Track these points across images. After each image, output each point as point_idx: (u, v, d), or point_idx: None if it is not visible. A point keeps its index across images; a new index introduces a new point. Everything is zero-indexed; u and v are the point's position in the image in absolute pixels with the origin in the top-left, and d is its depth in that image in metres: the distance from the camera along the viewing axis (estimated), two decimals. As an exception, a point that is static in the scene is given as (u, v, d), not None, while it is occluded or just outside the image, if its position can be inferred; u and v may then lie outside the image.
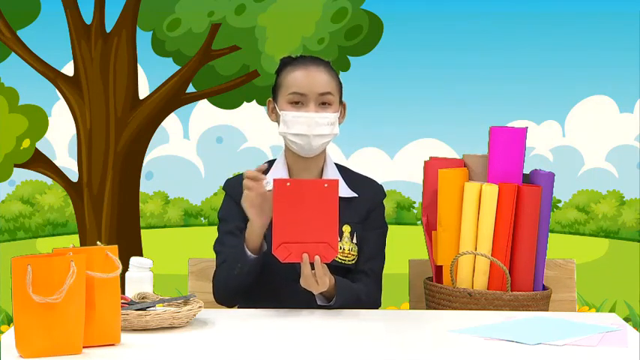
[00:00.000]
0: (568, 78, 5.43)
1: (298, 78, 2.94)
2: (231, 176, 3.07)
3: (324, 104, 2.94)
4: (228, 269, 2.89)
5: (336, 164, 3.06)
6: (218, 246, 2.99)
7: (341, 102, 3.01)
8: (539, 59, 5.42)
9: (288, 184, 2.65)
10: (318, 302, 2.87)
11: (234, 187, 3.02)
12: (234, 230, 2.95)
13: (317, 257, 2.70)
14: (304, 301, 2.89)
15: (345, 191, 2.99)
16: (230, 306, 2.99)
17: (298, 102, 2.94)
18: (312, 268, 2.72)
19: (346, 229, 2.97)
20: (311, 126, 2.92)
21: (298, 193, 2.65)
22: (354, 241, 2.97)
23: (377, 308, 2.99)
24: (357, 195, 3.01)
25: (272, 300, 2.93)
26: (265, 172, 2.92)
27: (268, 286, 2.97)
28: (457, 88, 5.43)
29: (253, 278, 2.87)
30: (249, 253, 2.84)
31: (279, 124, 2.97)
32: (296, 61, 2.99)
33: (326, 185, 2.66)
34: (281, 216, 2.66)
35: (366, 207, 3.01)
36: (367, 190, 3.04)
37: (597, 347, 2.39)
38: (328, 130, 2.94)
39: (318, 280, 2.73)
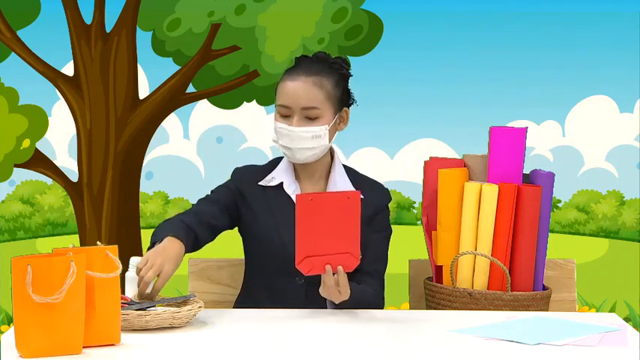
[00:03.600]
0: (568, 78, 5.43)
1: (286, 90, 2.95)
2: (241, 165, 3.09)
3: (309, 118, 2.94)
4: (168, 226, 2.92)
5: (343, 165, 3.06)
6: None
7: (340, 110, 2.99)
8: (539, 59, 5.41)
9: (311, 199, 2.64)
10: (329, 307, 2.87)
11: (240, 175, 3.05)
12: (214, 200, 3.00)
13: (340, 267, 2.69)
14: (304, 301, 2.89)
15: None
16: None
17: (285, 114, 2.94)
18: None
19: None
20: (294, 140, 2.92)
21: (321, 207, 2.64)
22: None
23: (380, 307, 2.99)
24: (363, 197, 3.01)
25: (272, 300, 2.93)
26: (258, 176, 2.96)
27: (268, 286, 2.98)
28: (457, 88, 5.42)
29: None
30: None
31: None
32: (293, 68, 2.99)
33: (348, 197, 2.65)
34: (304, 230, 2.64)
35: (372, 209, 3.01)
36: (373, 192, 3.04)
37: (597, 347, 2.39)
38: (313, 144, 2.93)
39: (340, 289, 2.72)
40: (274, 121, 2.96)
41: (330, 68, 2.98)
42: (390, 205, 3.10)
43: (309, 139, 2.92)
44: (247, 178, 3.02)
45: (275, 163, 3.07)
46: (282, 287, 2.95)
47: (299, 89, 2.93)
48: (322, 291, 2.75)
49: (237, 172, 3.07)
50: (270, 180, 3.00)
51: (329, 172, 3.03)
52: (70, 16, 5.33)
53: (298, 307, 2.87)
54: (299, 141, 2.92)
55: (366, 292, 2.91)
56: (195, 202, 3.07)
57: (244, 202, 3.00)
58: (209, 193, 3.06)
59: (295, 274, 2.94)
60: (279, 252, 2.95)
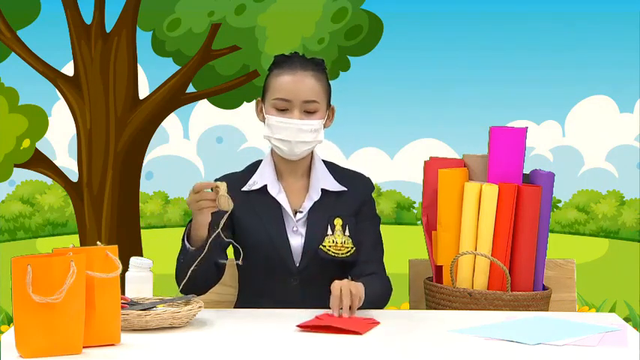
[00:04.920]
0: (568, 78, 5.43)
1: (284, 83, 2.94)
2: (220, 176, 3.08)
3: (308, 112, 2.94)
4: (182, 265, 2.87)
5: (323, 161, 3.07)
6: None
7: (329, 106, 3.01)
8: (539, 59, 5.42)
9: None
10: None
11: None
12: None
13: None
14: (300, 301, 2.89)
15: (334, 186, 3.00)
16: (201, 293, 2.96)
17: (283, 108, 2.94)
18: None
19: (338, 222, 2.98)
20: (294, 132, 2.92)
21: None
22: (347, 233, 2.98)
23: (391, 291, 2.99)
24: (346, 189, 3.02)
25: (271, 300, 2.93)
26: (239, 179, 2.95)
27: (264, 289, 2.98)
28: (457, 88, 5.43)
29: (202, 266, 2.84)
30: (188, 246, 2.82)
31: (265, 127, 2.98)
32: (286, 63, 2.99)
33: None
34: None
35: (357, 200, 3.02)
36: (356, 183, 3.05)
37: (597, 347, 2.39)
38: (311, 137, 2.94)
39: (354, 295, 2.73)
40: (267, 116, 2.96)
41: (317, 64, 2.99)
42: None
43: (308, 133, 2.93)
44: (229, 187, 3.01)
45: (255, 166, 3.06)
46: (277, 289, 2.95)
47: (299, 82, 2.94)
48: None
49: None
50: (253, 184, 3.00)
51: (310, 168, 3.03)
52: (70, 16, 5.33)
53: (297, 307, 2.87)
54: (299, 134, 2.92)
55: (373, 282, 2.91)
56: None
57: (231, 211, 2.99)
58: None
59: (289, 275, 2.95)
60: (271, 254, 2.95)
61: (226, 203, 2.74)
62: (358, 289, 2.71)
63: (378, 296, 2.91)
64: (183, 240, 2.86)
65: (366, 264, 2.97)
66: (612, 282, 5.42)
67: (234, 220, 2.99)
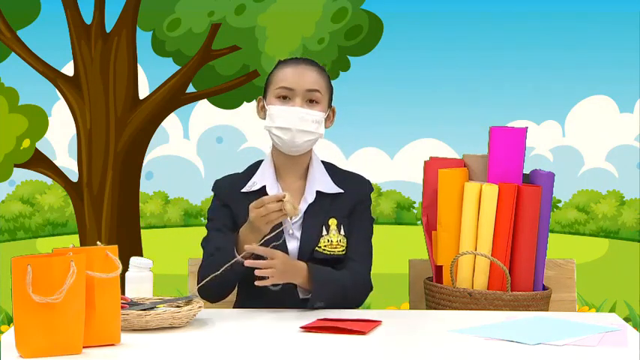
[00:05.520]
0: (568, 78, 5.43)
1: (287, 73, 2.96)
2: (220, 177, 3.08)
3: (311, 101, 2.95)
4: (215, 267, 2.85)
5: (322, 162, 3.06)
6: (205, 242, 2.99)
7: (330, 105, 3.01)
8: (539, 59, 5.42)
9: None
10: (301, 296, 2.87)
11: (221, 188, 3.03)
12: (222, 228, 2.98)
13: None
14: (302, 301, 2.89)
15: (330, 188, 3.00)
16: (213, 301, 2.97)
17: (286, 96, 2.94)
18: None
19: (332, 222, 2.97)
20: (296, 120, 2.92)
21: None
22: (342, 232, 2.97)
23: (369, 289, 2.98)
24: (342, 191, 3.01)
25: (270, 300, 2.93)
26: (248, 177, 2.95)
27: (266, 287, 2.97)
28: (457, 88, 5.43)
29: (237, 276, 2.87)
30: (238, 256, 2.82)
31: (265, 119, 2.97)
32: (289, 60, 3.01)
33: None
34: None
35: (353, 200, 3.02)
36: (353, 184, 3.05)
37: (597, 347, 2.39)
38: (313, 128, 2.93)
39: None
40: (269, 106, 2.95)
41: (320, 65, 3.01)
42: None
43: (310, 122, 2.92)
44: (229, 188, 3.01)
45: (254, 167, 3.06)
46: (275, 290, 2.95)
47: (302, 74, 2.95)
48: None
49: (217, 185, 3.06)
50: (252, 185, 2.99)
51: (308, 169, 3.03)
52: (70, 16, 5.33)
53: (297, 308, 2.87)
54: (300, 122, 2.91)
55: (337, 274, 2.90)
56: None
57: (232, 212, 2.99)
58: (206, 222, 3.04)
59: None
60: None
61: (293, 209, 2.74)
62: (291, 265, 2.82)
63: (343, 287, 2.88)
64: (224, 251, 2.85)
65: (347, 261, 2.97)
66: (612, 282, 5.42)
67: (235, 220, 2.99)
